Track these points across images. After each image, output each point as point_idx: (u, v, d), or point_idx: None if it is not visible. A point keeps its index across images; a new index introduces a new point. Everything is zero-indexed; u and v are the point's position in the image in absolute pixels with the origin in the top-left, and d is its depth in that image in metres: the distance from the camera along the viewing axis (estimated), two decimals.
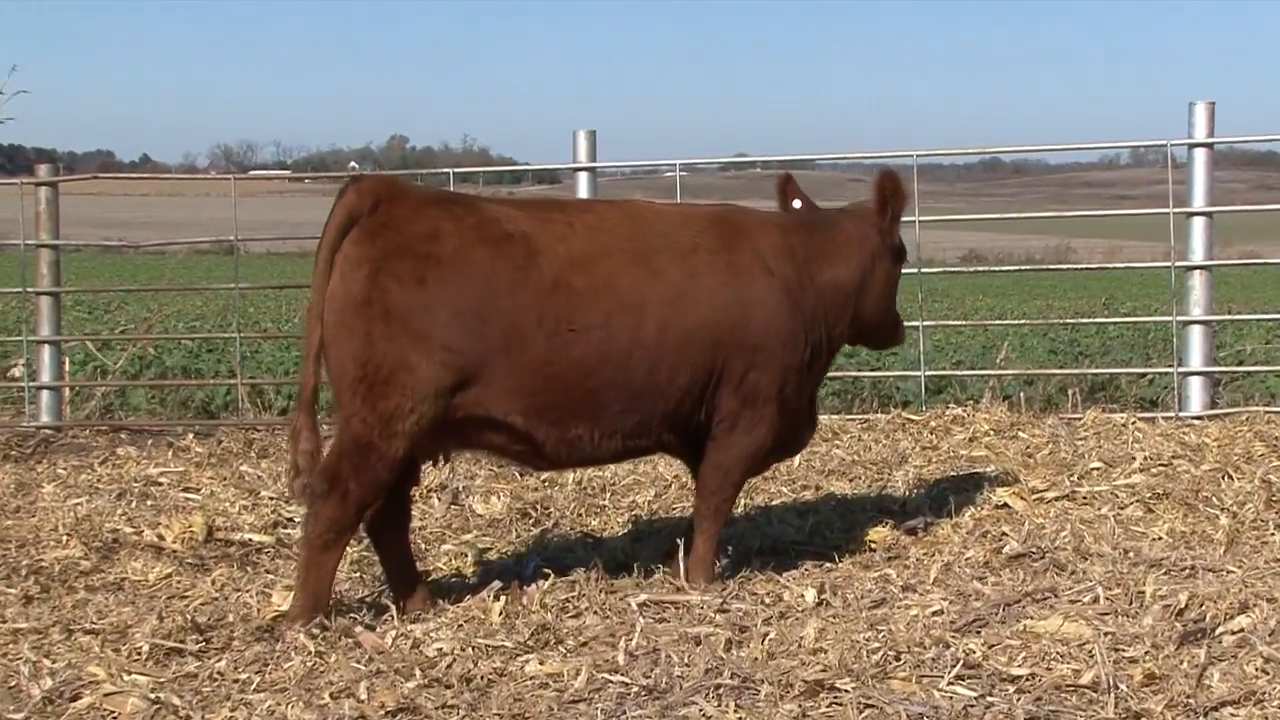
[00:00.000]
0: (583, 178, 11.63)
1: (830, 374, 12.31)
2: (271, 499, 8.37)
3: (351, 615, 5.76)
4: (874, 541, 7.06)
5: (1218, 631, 5.07)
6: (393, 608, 5.87)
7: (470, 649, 5.28)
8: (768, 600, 5.94)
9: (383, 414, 5.66)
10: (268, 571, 6.87)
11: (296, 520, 7.84)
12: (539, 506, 8.03)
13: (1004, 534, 6.91)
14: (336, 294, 5.69)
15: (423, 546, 7.22)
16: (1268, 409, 10.59)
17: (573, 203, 6.51)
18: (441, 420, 5.75)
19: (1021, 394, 11.80)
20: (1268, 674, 4.72)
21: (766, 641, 5.24)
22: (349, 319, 5.66)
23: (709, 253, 6.14)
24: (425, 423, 5.70)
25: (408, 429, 5.68)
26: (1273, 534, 6.84)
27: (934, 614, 5.54)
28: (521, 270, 5.81)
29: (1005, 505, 7.64)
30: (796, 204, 6.86)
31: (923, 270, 11.48)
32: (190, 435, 10.79)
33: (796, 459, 8.73)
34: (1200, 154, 10.85)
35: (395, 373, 5.65)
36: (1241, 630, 5.05)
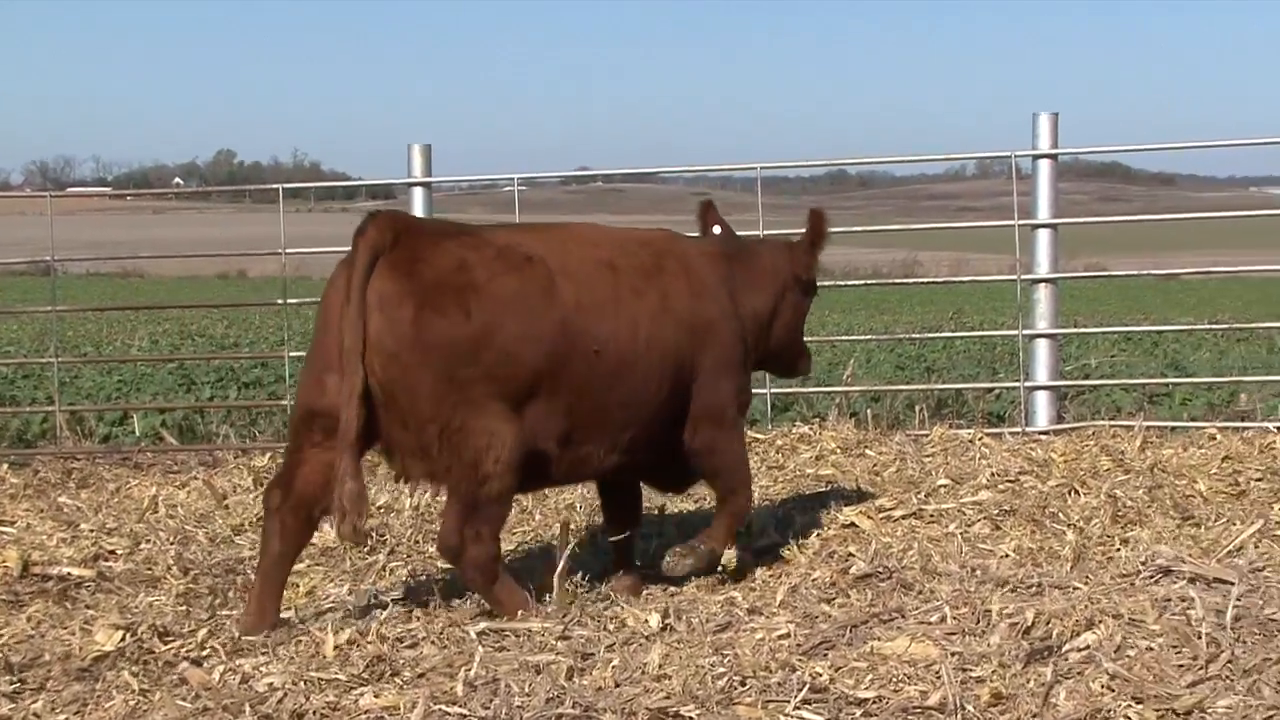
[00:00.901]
0: (418, 193, 11.57)
1: None
2: (92, 531, 8.21)
3: (177, 650, 5.67)
4: (720, 564, 7.09)
5: (1064, 649, 5.16)
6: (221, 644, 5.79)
7: (302, 682, 5.22)
8: (611, 626, 5.94)
9: (468, 462, 5.93)
10: (87, 607, 6.74)
11: (118, 552, 7.72)
12: (375, 534, 7.97)
13: (851, 554, 6.99)
14: (383, 337, 5.84)
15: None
16: (1113, 423, 10.82)
17: (547, 225, 6.72)
18: (529, 445, 6.02)
19: (868, 411, 11.94)
20: (1113, 691, 4.82)
21: (610, 669, 5.24)
22: (408, 367, 5.85)
23: (671, 275, 6.51)
24: (510, 455, 5.96)
25: (494, 469, 5.95)
26: (1118, 549, 7.00)
27: (780, 637, 5.57)
28: (547, 292, 6.10)
29: (853, 524, 7.73)
30: (716, 229, 7.18)
31: None
32: (4, 465, 10.55)
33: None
34: (1044, 165, 11.07)
35: (469, 417, 5.90)
36: (1087, 647, 5.15)
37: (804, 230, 7.18)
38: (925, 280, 18.53)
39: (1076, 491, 8.35)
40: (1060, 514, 7.82)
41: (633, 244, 6.61)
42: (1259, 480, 8.80)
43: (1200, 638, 5.13)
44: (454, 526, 6.04)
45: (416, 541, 7.87)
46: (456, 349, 5.87)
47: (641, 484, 7.09)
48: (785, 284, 7.10)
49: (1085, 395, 12.87)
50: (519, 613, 6.04)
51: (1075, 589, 5.86)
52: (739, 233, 7.42)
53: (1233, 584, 5.62)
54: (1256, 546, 6.97)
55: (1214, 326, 20.65)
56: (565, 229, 6.64)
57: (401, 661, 5.46)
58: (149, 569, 7.32)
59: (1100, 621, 5.34)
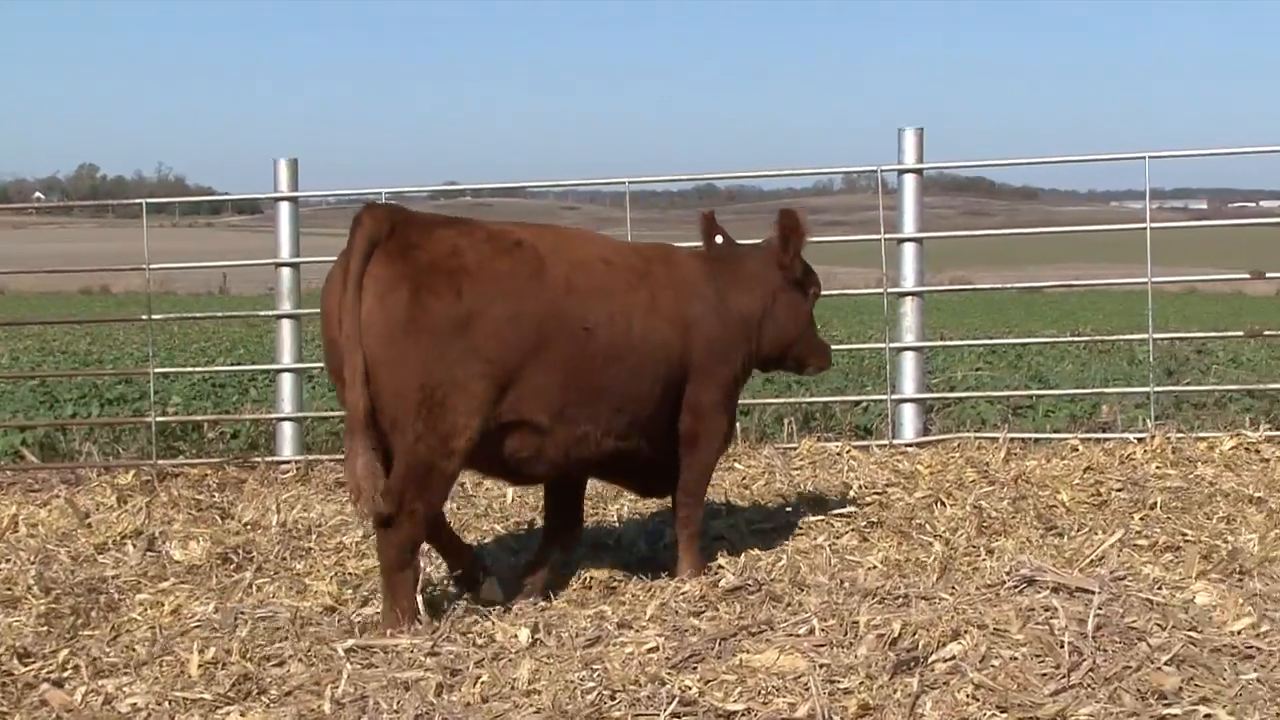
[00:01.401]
0: (284, 208, 11.48)
1: None
2: None
3: (37, 671, 5.58)
4: (590, 578, 7.10)
5: (930, 660, 5.21)
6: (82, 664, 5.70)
7: (167, 703, 5.16)
8: (480, 641, 5.92)
9: (443, 434, 6.12)
10: None
11: None
12: (241, 551, 7.88)
13: (720, 567, 7.02)
14: (376, 317, 6.05)
15: (116, 597, 7.02)
16: (979, 435, 10.97)
17: (540, 224, 6.93)
18: (487, 428, 6.23)
19: (737, 424, 11.97)
20: (978, 700, 4.88)
21: (479, 684, 5.22)
22: (398, 341, 6.06)
23: (659, 274, 6.85)
24: (477, 436, 6.19)
25: (463, 446, 6.17)
26: (984, 560, 7.08)
27: (649, 651, 5.58)
28: (537, 274, 6.34)
29: (721, 537, 7.76)
30: (719, 239, 7.51)
31: None
32: None
33: (509, 494, 8.81)
34: (910, 180, 11.20)
35: (450, 393, 6.10)
36: (953, 658, 5.21)
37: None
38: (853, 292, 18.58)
39: (943, 503, 8.46)
40: (927, 525, 7.91)
41: (624, 247, 6.98)
42: (1119, 490, 8.96)
43: (1063, 647, 5.21)
44: (398, 492, 6.13)
45: (284, 559, 7.79)
46: (448, 326, 6.09)
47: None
48: (774, 285, 7.36)
49: (951, 408, 13.01)
50: (397, 615, 6.13)
51: (941, 600, 5.91)
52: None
53: (1094, 593, 5.71)
54: (1118, 556, 7.10)
55: (1076, 339, 20.97)
56: (560, 227, 7.02)
57: (268, 680, 5.40)
58: (9, 589, 7.18)
59: (966, 632, 5.40)
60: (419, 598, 6.24)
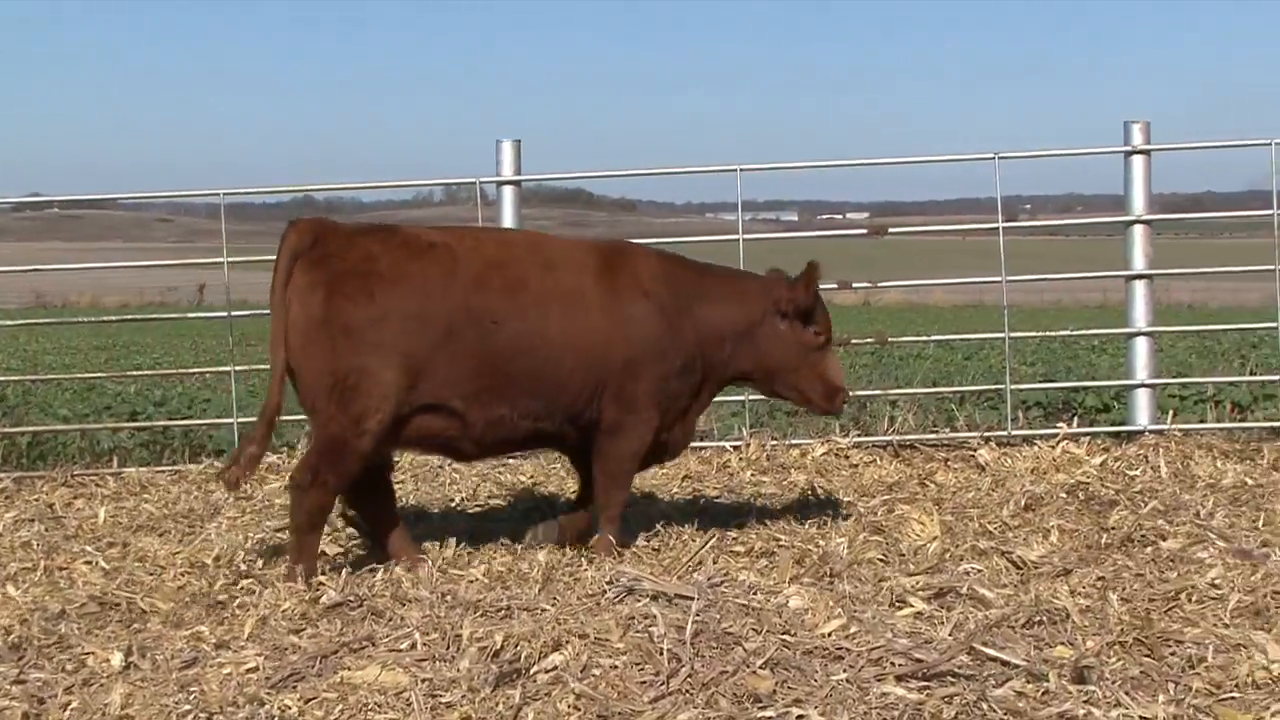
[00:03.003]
0: None
1: (138, 423, 12.05)
2: None
3: None
4: (188, 597, 6.94)
5: (532, 671, 5.26)
6: None
7: None
8: (69, 667, 5.72)
9: (353, 416, 6.98)
10: None
11: None
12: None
13: (321, 583, 6.93)
14: (298, 319, 6.99)
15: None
16: None
17: (477, 226, 8.15)
18: (400, 410, 7.04)
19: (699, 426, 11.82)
20: (579, 710, 4.94)
21: (68, 712, 5.05)
22: (315, 337, 6.97)
23: (597, 271, 7.43)
24: (389, 419, 7.03)
25: (374, 427, 7.01)
26: (586, 570, 7.18)
27: (248, 671, 5.49)
28: (449, 274, 7.13)
29: (323, 553, 7.67)
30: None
31: (233, 314, 11.41)
32: None
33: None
34: (508, 191, 11.27)
35: (361, 380, 6.96)
36: (555, 668, 5.26)
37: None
38: None
39: (543, 513, 8.52)
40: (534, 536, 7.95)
41: (566, 246, 7.62)
42: (717, 498, 9.21)
43: (662, 654, 5.32)
44: (311, 464, 7.06)
45: None
46: (361, 324, 6.96)
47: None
48: (764, 311, 7.75)
49: None
50: (297, 573, 6.97)
51: (543, 610, 5.97)
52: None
53: (693, 600, 5.85)
54: (715, 563, 7.28)
55: None
56: (495, 229, 8.30)
57: None
58: None
59: (567, 642, 5.46)
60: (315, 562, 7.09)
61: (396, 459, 8.49)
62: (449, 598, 6.53)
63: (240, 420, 11.29)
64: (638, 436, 7.56)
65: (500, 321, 7.17)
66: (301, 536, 7.10)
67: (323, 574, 7.08)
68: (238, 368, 11.52)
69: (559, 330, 7.27)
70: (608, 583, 6.29)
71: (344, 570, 7.16)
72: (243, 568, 7.49)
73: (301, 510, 7.08)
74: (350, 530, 8.00)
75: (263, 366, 18.16)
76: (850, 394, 8.08)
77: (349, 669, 5.38)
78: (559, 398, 7.34)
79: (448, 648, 5.57)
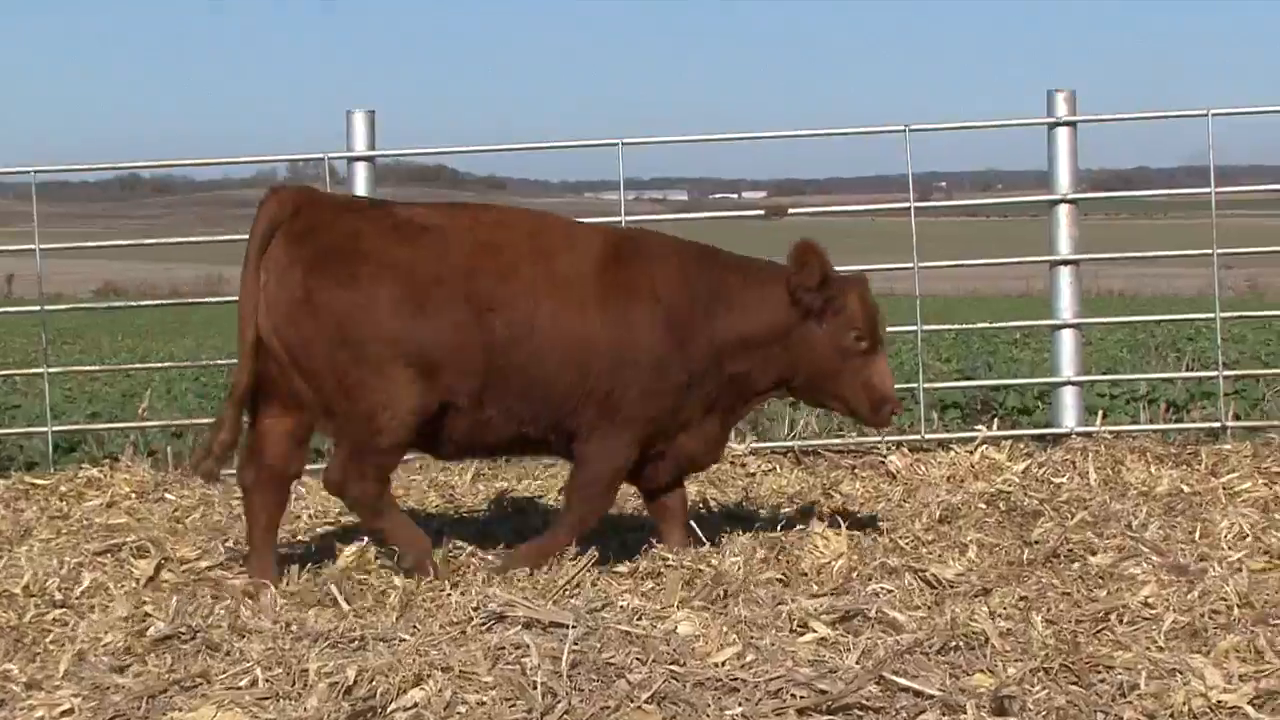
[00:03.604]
0: None
1: None
2: None
3: None
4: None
5: (389, 709, 5.24)
6: None
7: None
8: None
9: (363, 414, 7.22)
10: None
11: None
12: None
13: (148, 614, 6.85)
14: (277, 299, 7.15)
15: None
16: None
17: (477, 203, 8.09)
18: (428, 406, 7.25)
19: (169, 449, 11.74)
20: None
21: None
22: (303, 322, 7.15)
23: (601, 265, 7.52)
24: (406, 413, 7.24)
25: (389, 423, 7.22)
26: (449, 595, 7.14)
27: (64, 714, 5.43)
28: (441, 258, 7.28)
29: (150, 580, 7.60)
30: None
31: (47, 308, 11.28)
32: None
33: None
34: (360, 168, 11.24)
35: (361, 375, 7.19)
36: (415, 705, 5.25)
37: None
38: (233, 299, 18.40)
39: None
40: (387, 558, 7.92)
41: (574, 233, 7.77)
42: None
43: (536, 688, 5.32)
44: (340, 465, 7.33)
45: None
46: (346, 312, 7.15)
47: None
48: (790, 314, 7.67)
49: None
50: (405, 547, 7.34)
51: (402, 641, 5.95)
52: None
53: (569, 627, 5.85)
54: (595, 585, 7.27)
55: None
56: (495, 207, 7.97)
57: None
58: None
59: (429, 676, 5.45)
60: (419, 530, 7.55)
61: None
62: (295, 627, 6.49)
63: (54, 429, 11.15)
64: (617, 451, 7.61)
65: (496, 309, 7.33)
66: (378, 524, 7.44)
67: (147, 601, 7.00)
68: (52, 370, 11.38)
69: (549, 322, 7.38)
70: (474, 609, 6.29)
71: (174, 598, 7.08)
72: (57, 596, 7.39)
73: (360, 507, 7.48)
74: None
75: (81, 368, 18.07)
76: (900, 404, 8.08)
77: (180, 710, 5.33)
78: (547, 399, 7.46)
79: (293, 684, 5.53)
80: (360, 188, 11.17)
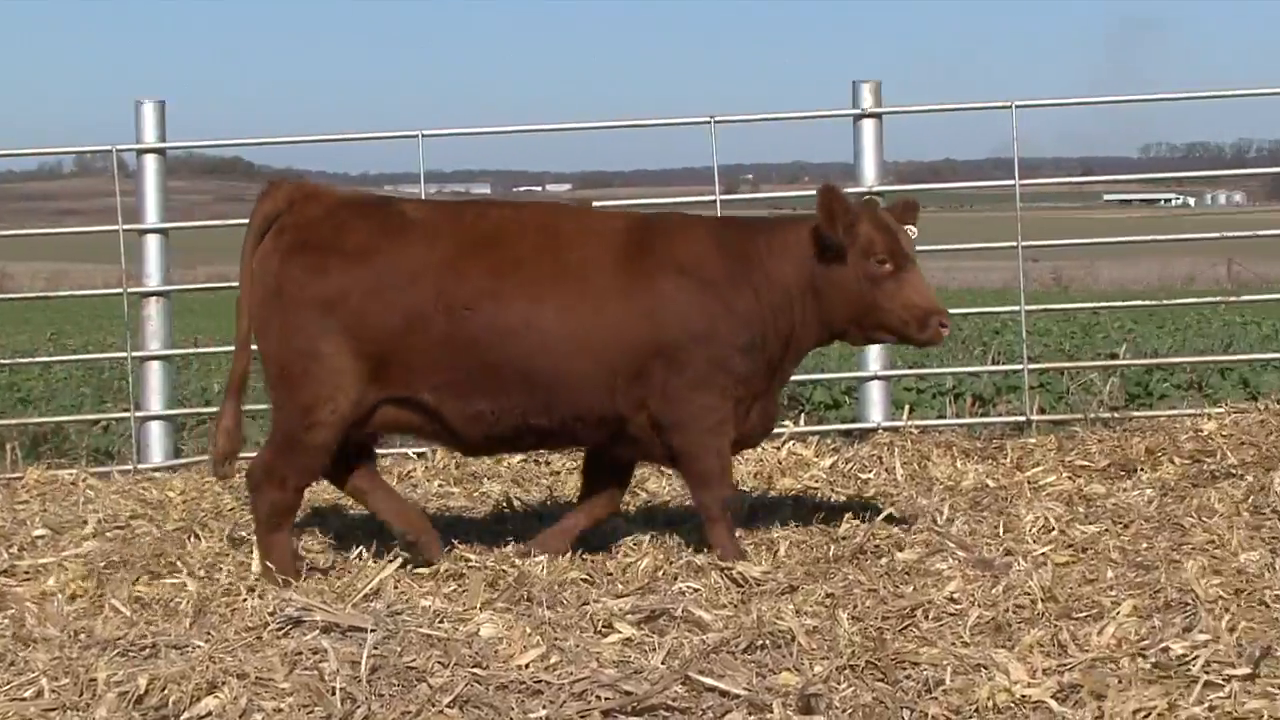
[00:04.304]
0: None
1: None
2: None
3: None
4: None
5: (182, 717, 5.20)
6: None
7: None
8: None
9: (303, 406, 7.40)
10: None
11: None
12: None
13: None
14: (257, 288, 7.47)
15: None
16: (239, 455, 10.97)
17: (498, 199, 8.55)
18: (363, 402, 7.43)
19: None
20: None
21: None
22: (265, 312, 7.46)
23: (621, 253, 7.63)
24: (345, 408, 7.41)
25: (326, 417, 7.38)
26: (245, 600, 7.09)
27: None
28: (422, 256, 7.45)
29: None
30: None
31: None
32: None
33: None
34: (151, 161, 11.10)
35: (308, 366, 7.38)
36: (209, 714, 5.22)
37: None
38: (16, 296, 18.18)
39: (197, 535, 8.41)
40: (180, 562, 7.85)
41: (591, 225, 7.86)
42: None
43: (334, 694, 5.31)
44: (267, 462, 7.50)
45: None
46: (311, 302, 7.37)
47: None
48: (813, 259, 7.76)
49: (207, 425, 12.96)
50: (271, 571, 7.37)
51: (196, 648, 5.90)
52: None
53: (369, 631, 5.83)
54: (396, 588, 7.25)
55: None
56: (511, 204, 8.20)
57: None
58: None
59: (224, 683, 5.41)
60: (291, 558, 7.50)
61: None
62: (83, 635, 6.41)
63: None
64: (705, 428, 7.69)
65: (475, 309, 7.43)
66: (266, 536, 7.51)
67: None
68: None
69: (555, 316, 7.49)
70: (271, 614, 6.25)
71: None
72: None
73: (260, 509, 7.53)
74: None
75: None
76: (948, 314, 7.96)
77: None
78: (558, 391, 7.54)
79: (81, 694, 5.47)
80: (150, 181, 11.04)
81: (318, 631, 5.94)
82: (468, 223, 7.65)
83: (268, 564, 7.45)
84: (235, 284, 17.43)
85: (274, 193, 7.64)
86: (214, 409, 13.26)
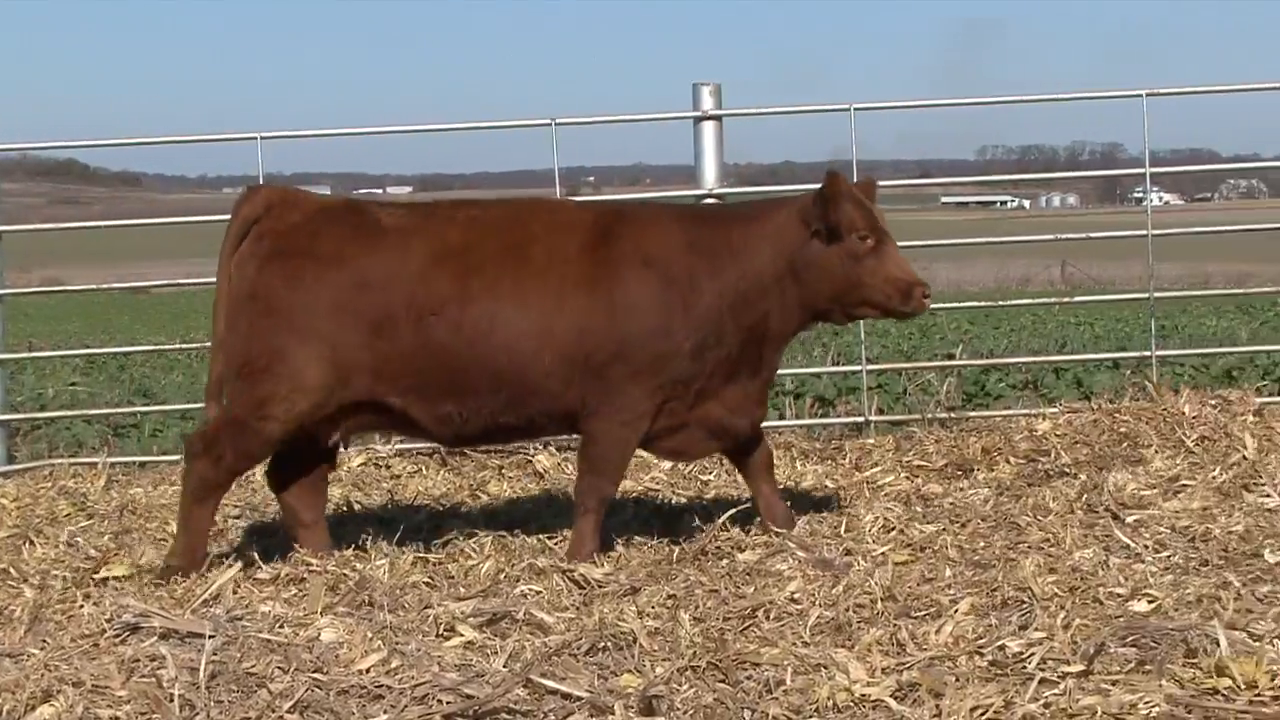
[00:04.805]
0: None
1: None
2: None
3: None
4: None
5: None
6: None
7: None
8: None
9: (258, 399, 7.50)
10: None
11: None
12: None
13: None
14: (232, 291, 7.54)
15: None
16: (74, 460, 10.87)
17: (467, 200, 8.26)
18: (324, 405, 7.54)
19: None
20: None
21: None
22: (238, 313, 7.53)
23: (583, 246, 7.68)
24: (302, 408, 7.51)
25: (280, 414, 7.48)
26: (81, 607, 7.01)
27: None
28: (394, 263, 7.54)
29: None
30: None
31: None
32: None
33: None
34: None
35: (271, 363, 7.47)
36: None
37: None
38: None
39: (32, 542, 8.32)
40: (13, 569, 7.76)
41: (557, 218, 7.91)
42: (237, 517, 9.14)
43: (173, 700, 5.27)
44: (209, 434, 7.61)
45: None
46: (285, 308, 7.47)
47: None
48: (795, 239, 7.77)
49: (41, 429, 12.82)
50: (183, 549, 7.58)
51: (31, 656, 5.83)
52: None
53: (208, 636, 5.79)
54: (235, 593, 7.19)
55: (186, 346, 21.05)
56: (479, 204, 8.06)
57: None
58: None
59: (60, 692, 5.36)
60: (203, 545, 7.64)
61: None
62: None
63: None
64: (622, 420, 7.73)
65: (441, 314, 7.51)
66: (190, 506, 7.61)
67: None
68: None
69: (516, 314, 7.55)
70: (108, 620, 6.18)
71: None
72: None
73: (192, 479, 7.61)
74: None
75: None
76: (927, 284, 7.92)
77: None
78: (522, 387, 7.61)
79: None
80: None
81: (156, 638, 5.88)
82: (438, 227, 7.70)
83: (183, 537, 7.61)
84: (68, 288, 17.30)
85: (253, 198, 7.71)
86: (48, 414, 13.16)
